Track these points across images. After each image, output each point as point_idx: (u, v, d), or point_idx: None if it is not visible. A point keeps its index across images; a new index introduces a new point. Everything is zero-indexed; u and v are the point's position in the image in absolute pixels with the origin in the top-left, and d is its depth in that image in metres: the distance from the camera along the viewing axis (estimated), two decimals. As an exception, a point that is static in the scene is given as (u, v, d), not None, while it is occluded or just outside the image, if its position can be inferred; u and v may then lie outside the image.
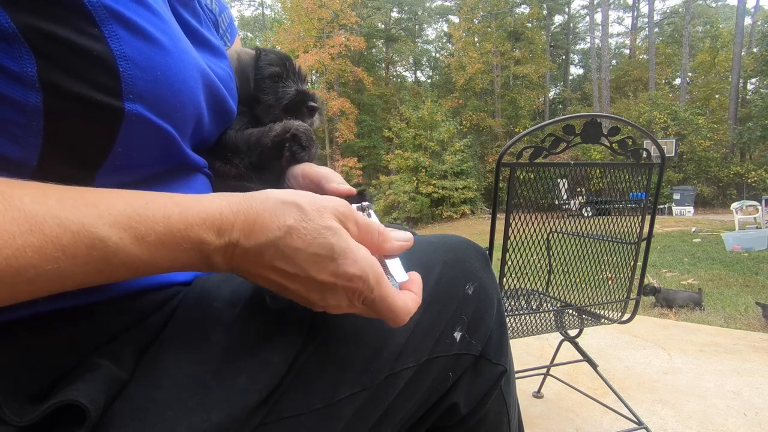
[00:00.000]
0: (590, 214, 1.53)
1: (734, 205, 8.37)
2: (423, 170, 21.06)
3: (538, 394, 1.74)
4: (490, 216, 1.30)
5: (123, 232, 0.30)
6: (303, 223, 0.35)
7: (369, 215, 0.44)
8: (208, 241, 0.33)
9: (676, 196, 14.78)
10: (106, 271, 0.30)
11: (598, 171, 1.42)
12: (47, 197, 0.29)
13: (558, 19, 31.45)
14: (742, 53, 20.71)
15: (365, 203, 0.45)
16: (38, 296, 0.29)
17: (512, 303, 1.39)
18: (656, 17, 27.46)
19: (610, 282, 1.39)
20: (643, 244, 1.36)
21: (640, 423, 1.37)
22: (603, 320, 1.41)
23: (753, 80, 23.33)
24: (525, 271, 1.28)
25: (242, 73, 0.67)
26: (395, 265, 0.41)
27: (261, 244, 0.34)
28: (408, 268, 0.43)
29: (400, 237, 0.41)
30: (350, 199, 0.55)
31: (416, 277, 0.42)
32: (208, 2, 0.65)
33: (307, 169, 0.62)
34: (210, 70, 0.50)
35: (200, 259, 0.34)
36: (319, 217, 0.35)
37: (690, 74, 25.12)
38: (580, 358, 1.53)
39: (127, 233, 0.30)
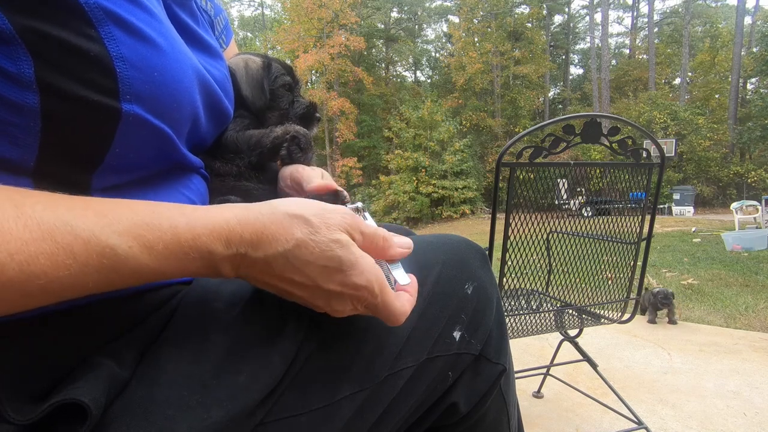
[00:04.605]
0: (590, 214, 1.53)
1: (734, 205, 8.35)
2: (423, 170, 21.07)
3: (538, 394, 1.74)
4: (490, 216, 1.30)
5: (132, 240, 0.30)
6: (311, 236, 0.35)
7: (364, 217, 0.44)
8: (216, 251, 0.33)
9: (676, 196, 14.78)
10: (115, 280, 0.31)
11: (598, 171, 1.42)
12: (57, 206, 0.29)
13: (558, 19, 31.46)
14: (742, 53, 20.72)
15: (359, 204, 0.45)
16: (48, 303, 0.29)
17: (512, 303, 1.39)
18: (656, 17, 27.47)
19: (610, 282, 1.39)
20: (643, 244, 1.36)
21: (640, 423, 1.37)
22: (603, 320, 1.41)
23: (753, 80, 23.36)
24: (525, 271, 1.28)
25: (256, 82, 0.69)
26: (397, 269, 0.43)
27: (269, 256, 0.34)
28: (407, 268, 0.44)
29: (402, 244, 0.43)
30: (328, 198, 0.56)
31: (412, 279, 0.43)
32: (203, 4, 0.65)
33: (294, 172, 0.64)
34: (205, 71, 0.50)
35: (208, 268, 0.34)
36: (327, 230, 0.36)
37: (690, 74, 25.13)
38: (580, 358, 1.53)
39: (137, 242, 0.30)
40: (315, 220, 0.36)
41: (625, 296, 1.39)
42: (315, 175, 0.62)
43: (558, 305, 1.41)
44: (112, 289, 0.32)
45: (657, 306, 2.72)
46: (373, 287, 0.37)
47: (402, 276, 0.42)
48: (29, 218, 0.27)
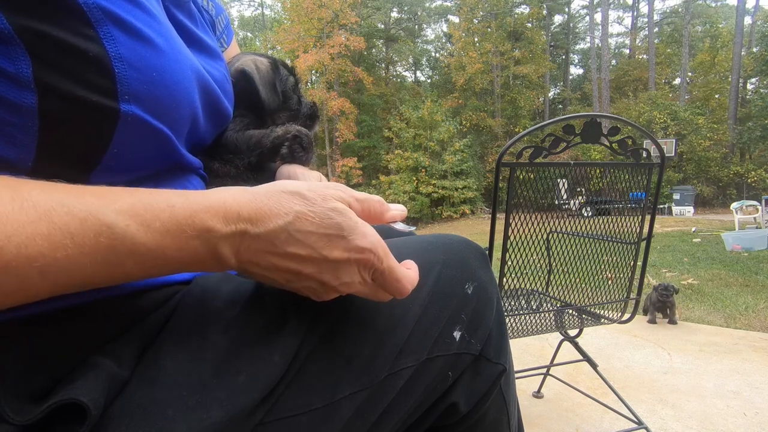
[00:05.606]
0: (590, 214, 1.53)
1: (734, 205, 8.35)
2: (423, 170, 21.07)
3: (538, 394, 1.74)
4: (490, 216, 1.30)
5: (129, 219, 0.30)
6: (309, 208, 0.36)
7: None
8: (214, 228, 0.33)
9: (676, 196, 14.78)
10: (113, 261, 0.30)
11: (598, 171, 1.42)
12: (54, 190, 0.29)
13: (558, 19, 31.47)
14: (742, 53, 20.73)
15: None
16: (46, 295, 0.29)
17: (512, 303, 1.39)
18: (656, 17, 27.48)
19: (610, 282, 1.39)
20: (643, 244, 1.36)
21: (640, 423, 1.37)
22: (603, 320, 1.41)
23: (753, 80, 23.37)
24: (525, 271, 1.28)
25: (270, 84, 0.70)
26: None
27: (271, 231, 0.35)
28: None
29: (396, 207, 0.46)
30: None
31: (411, 263, 0.44)
32: (204, 3, 0.65)
33: (292, 174, 0.64)
34: (205, 71, 0.50)
35: (207, 250, 0.34)
36: (323, 201, 0.36)
37: (690, 74, 25.13)
38: (580, 358, 1.53)
39: (133, 220, 0.30)
40: (310, 194, 0.37)
41: (625, 296, 1.39)
42: (313, 178, 0.62)
43: (558, 305, 1.41)
44: (110, 275, 0.31)
45: (658, 300, 2.67)
46: (377, 249, 0.38)
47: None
48: (25, 201, 0.27)
